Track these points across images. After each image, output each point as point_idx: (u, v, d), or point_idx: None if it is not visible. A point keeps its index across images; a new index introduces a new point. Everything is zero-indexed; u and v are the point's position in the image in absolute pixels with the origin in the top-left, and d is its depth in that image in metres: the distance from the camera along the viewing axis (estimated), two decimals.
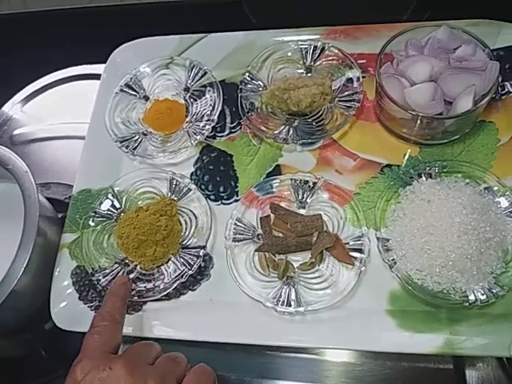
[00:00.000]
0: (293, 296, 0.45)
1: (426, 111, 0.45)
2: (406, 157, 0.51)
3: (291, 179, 0.49)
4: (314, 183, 0.48)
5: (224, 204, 0.52)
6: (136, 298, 0.47)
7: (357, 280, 0.44)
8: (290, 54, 0.56)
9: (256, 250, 0.47)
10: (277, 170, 0.52)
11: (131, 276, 0.48)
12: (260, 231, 0.48)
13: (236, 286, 0.46)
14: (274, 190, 0.49)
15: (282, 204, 0.49)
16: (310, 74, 0.55)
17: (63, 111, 0.69)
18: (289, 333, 0.44)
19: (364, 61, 0.55)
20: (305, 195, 0.48)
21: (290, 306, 0.44)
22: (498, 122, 0.51)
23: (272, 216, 0.48)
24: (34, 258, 0.46)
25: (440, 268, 0.43)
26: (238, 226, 0.48)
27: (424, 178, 0.47)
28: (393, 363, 0.46)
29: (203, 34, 0.59)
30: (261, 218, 0.48)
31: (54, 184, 0.63)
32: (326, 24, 0.58)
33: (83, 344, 0.39)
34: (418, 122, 0.46)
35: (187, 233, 0.49)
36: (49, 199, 0.57)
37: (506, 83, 0.52)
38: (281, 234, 0.48)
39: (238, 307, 0.46)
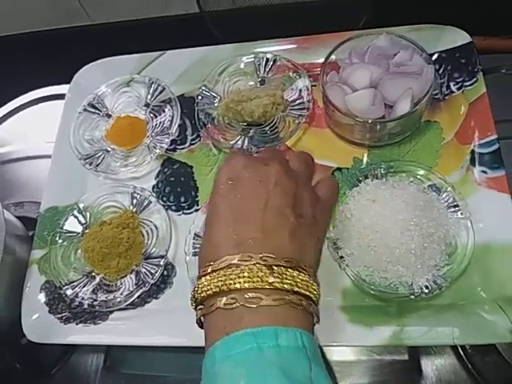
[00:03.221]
0: None
1: (367, 116, 0.47)
2: (366, 159, 0.53)
3: None
4: None
5: (185, 214, 0.54)
6: (102, 308, 0.49)
7: None
8: (244, 66, 0.59)
9: None
10: None
11: (96, 286, 0.50)
12: None
13: None
14: None
15: None
16: (263, 86, 0.58)
17: (36, 132, 0.72)
18: None
19: (315, 70, 0.57)
20: None
21: None
22: (443, 121, 0.53)
23: None
24: (3, 275, 0.49)
25: (386, 264, 0.45)
26: (196, 240, 0.50)
27: (370, 179, 0.49)
28: (349, 357, 0.49)
29: (162, 52, 0.62)
30: None
31: (27, 202, 0.65)
32: (286, 36, 0.61)
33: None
34: (362, 126, 0.49)
35: (149, 244, 0.51)
36: (22, 217, 0.60)
37: (450, 83, 0.55)
38: None
39: None
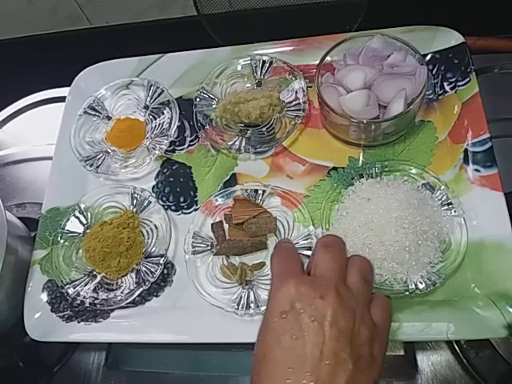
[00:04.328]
0: (251, 298, 0.48)
1: (361, 116, 0.48)
2: (361, 159, 0.54)
3: (241, 189, 0.52)
4: (264, 191, 0.52)
5: (184, 214, 0.55)
6: (103, 306, 0.50)
7: None
8: (241, 68, 0.60)
9: (215, 254, 0.50)
10: (233, 179, 0.55)
11: (97, 285, 0.51)
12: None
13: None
14: (229, 201, 0.53)
15: None
16: (260, 87, 0.59)
17: (37, 134, 0.73)
18: (250, 331, 0.47)
19: (311, 71, 0.58)
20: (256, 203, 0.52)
21: (250, 307, 0.47)
22: (436, 120, 0.54)
23: (226, 226, 0.51)
24: (5, 275, 0.50)
25: (381, 261, 0.46)
26: (195, 239, 0.51)
27: (365, 178, 0.50)
28: None
29: (160, 55, 0.63)
30: (212, 224, 0.51)
31: (29, 204, 0.66)
32: (282, 38, 0.61)
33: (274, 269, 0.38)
34: (357, 126, 0.50)
35: (149, 243, 0.52)
36: (23, 218, 0.61)
37: (443, 83, 0.56)
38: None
39: (200, 310, 0.49)
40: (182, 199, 0.56)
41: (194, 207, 0.55)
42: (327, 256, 0.37)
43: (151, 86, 0.60)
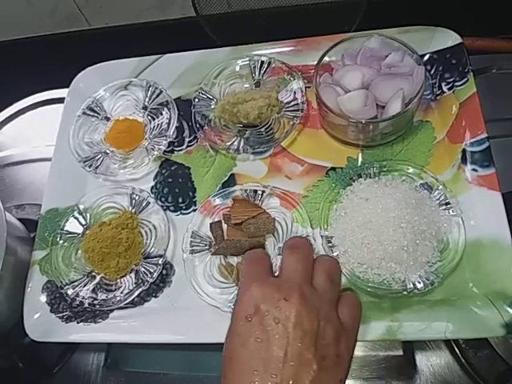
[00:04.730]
0: None
1: (359, 116, 0.48)
2: (359, 159, 0.54)
3: (241, 190, 0.52)
4: (263, 191, 0.52)
5: (183, 214, 0.55)
6: (103, 307, 0.50)
7: None
8: (239, 69, 0.60)
9: (212, 254, 0.50)
10: (231, 179, 0.55)
11: (97, 286, 0.51)
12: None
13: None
14: (227, 201, 0.53)
15: None
16: (259, 88, 0.59)
17: (36, 135, 0.73)
18: None
19: (309, 72, 0.58)
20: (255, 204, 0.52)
21: None
22: (434, 120, 0.54)
23: (225, 226, 0.52)
24: (5, 276, 0.50)
25: (379, 260, 0.46)
26: (194, 238, 0.51)
27: (363, 178, 0.50)
28: None
29: (159, 55, 0.63)
30: (211, 223, 0.51)
31: (28, 205, 0.66)
32: (281, 38, 0.62)
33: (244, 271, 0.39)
34: (355, 126, 0.50)
35: (148, 243, 0.52)
36: (23, 219, 0.61)
37: (441, 84, 0.56)
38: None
39: (199, 311, 0.49)
40: (180, 200, 0.56)
41: (193, 208, 0.55)
42: (292, 257, 0.37)
43: (150, 86, 0.60)
